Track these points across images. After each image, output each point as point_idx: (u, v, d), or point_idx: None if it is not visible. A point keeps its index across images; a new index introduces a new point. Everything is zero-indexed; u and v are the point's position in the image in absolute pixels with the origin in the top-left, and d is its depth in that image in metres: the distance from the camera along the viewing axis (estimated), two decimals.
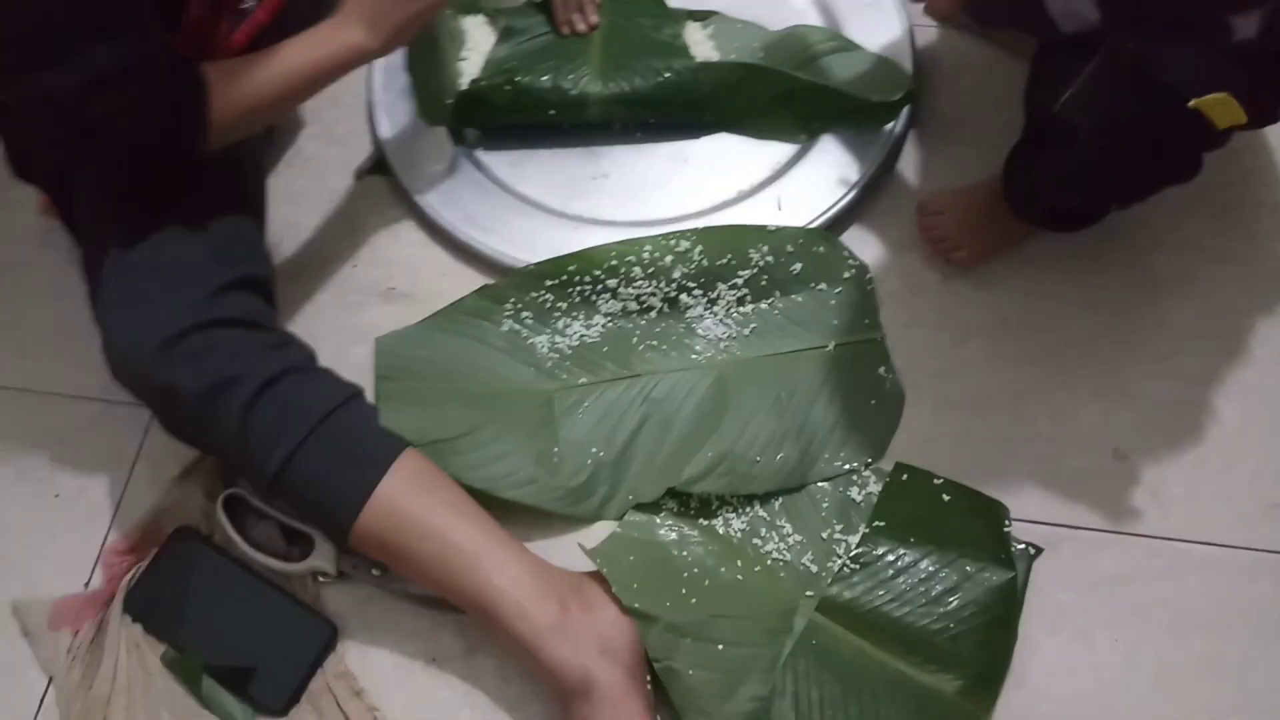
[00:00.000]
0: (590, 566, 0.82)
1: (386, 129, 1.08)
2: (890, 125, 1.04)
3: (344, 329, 1.00)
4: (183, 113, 0.80)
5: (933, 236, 0.99)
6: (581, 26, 1.10)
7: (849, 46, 1.08)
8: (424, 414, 0.90)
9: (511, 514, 0.85)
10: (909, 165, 1.05)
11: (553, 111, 1.06)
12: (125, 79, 0.75)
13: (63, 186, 0.92)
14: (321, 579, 0.88)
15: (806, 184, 1.03)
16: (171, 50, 0.79)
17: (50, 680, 0.86)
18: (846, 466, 0.89)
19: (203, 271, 0.83)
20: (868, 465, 0.90)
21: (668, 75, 1.06)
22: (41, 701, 0.85)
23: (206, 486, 0.91)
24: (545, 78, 1.05)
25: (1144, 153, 0.81)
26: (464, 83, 1.07)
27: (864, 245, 1.01)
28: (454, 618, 0.85)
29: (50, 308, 1.03)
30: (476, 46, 1.11)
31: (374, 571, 0.87)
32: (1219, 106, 0.70)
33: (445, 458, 0.87)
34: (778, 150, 1.06)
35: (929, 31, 1.11)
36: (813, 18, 1.13)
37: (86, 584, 0.90)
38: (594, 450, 0.91)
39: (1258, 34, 0.70)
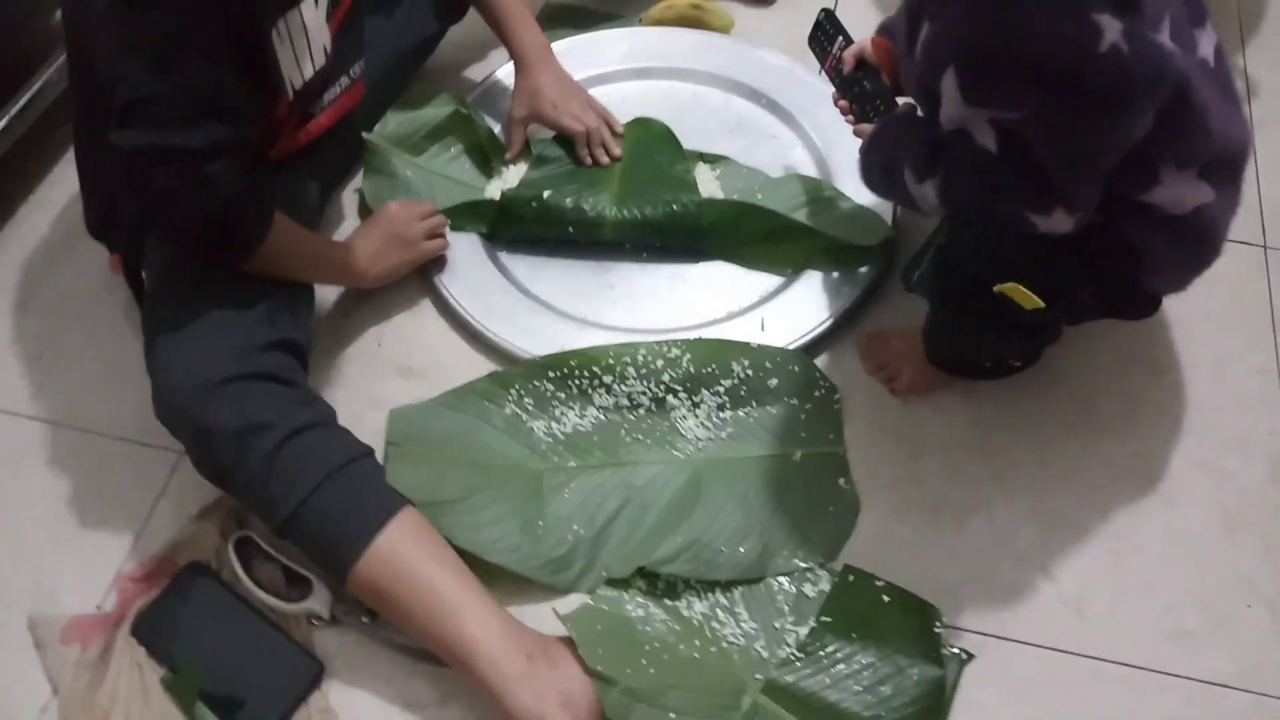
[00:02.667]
0: (562, 633, 0.91)
1: None
2: (867, 269, 1.17)
3: (364, 398, 1.10)
4: (248, 220, 0.95)
5: (872, 365, 1.11)
6: (605, 160, 1.24)
7: (838, 196, 1.22)
8: (425, 477, 0.99)
9: (495, 577, 0.94)
10: (880, 305, 1.17)
11: (571, 229, 1.19)
12: (230, 153, 0.89)
13: (136, 248, 1.05)
14: (315, 621, 0.96)
15: (788, 311, 1.15)
16: (262, 186, 0.95)
17: (54, 690, 0.93)
18: (802, 564, 0.98)
19: (251, 330, 0.94)
20: (821, 565, 0.98)
21: (675, 207, 1.20)
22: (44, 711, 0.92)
23: (221, 527, 1.00)
24: (568, 199, 1.19)
25: (979, 325, 0.92)
26: (493, 194, 1.21)
27: (835, 369, 1.12)
28: (431, 668, 0.93)
29: (101, 353, 1.15)
30: (502, 171, 1.25)
31: (363, 619, 0.95)
32: (1016, 293, 0.82)
33: (440, 519, 0.96)
34: (766, 280, 1.19)
35: None
36: (809, 169, 1.28)
37: (99, 606, 0.98)
38: (575, 527, 1.00)
39: (1068, 229, 0.81)
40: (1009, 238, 0.82)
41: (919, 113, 0.96)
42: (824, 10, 1.15)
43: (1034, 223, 0.80)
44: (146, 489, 1.05)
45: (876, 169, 0.97)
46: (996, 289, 0.82)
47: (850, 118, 1.08)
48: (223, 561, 0.98)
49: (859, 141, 1.02)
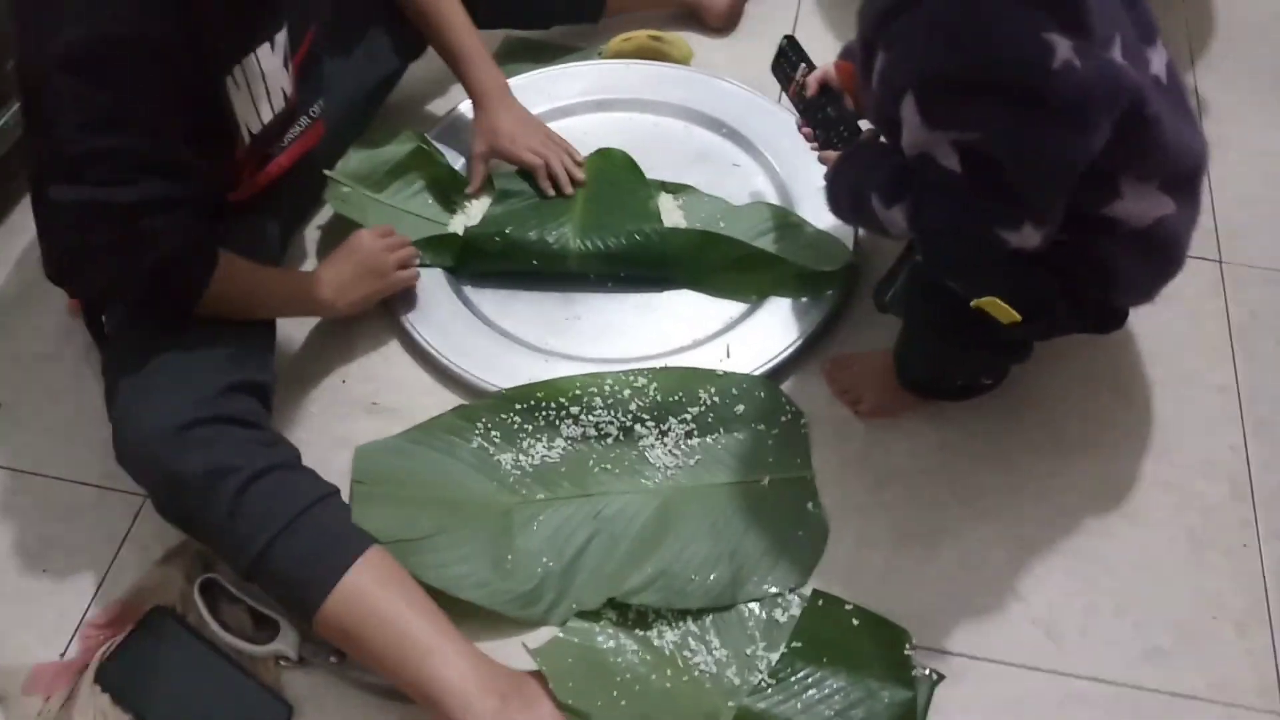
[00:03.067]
0: (532, 666, 0.90)
1: None
2: (830, 293, 1.18)
3: (330, 437, 1.10)
4: (195, 264, 0.94)
5: (837, 388, 1.12)
6: (568, 189, 1.25)
7: (800, 223, 1.23)
8: (392, 515, 0.99)
9: (464, 613, 0.93)
10: (844, 329, 1.18)
11: (536, 262, 1.20)
12: (171, 209, 0.89)
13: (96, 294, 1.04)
14: (283, 663, 0.95)
15: (753, 337, 1.16)
16: (205, 224, 0.94)
17: None
18: (772, 590, 0.98)
19: (213, 373, 0.94)
20: (791, 590, 0.98)
21: (638, 236, 1.20)
22: None
23: (186, 570, 0.99)
24: (531, 233, 1.20)
25: (954, 343, 0.94)
26: (450, 228, 1.22)
27: (801, 394, 1.13)
28: (400, 707, 0.92)
29: (64, 399, 1.14)
30: (465, 206, 1.26)
31: (331, 659, 0.94)
32: (994, 307, 0.83)
33: (407, 557, 0.95)
34: (730, 307, 1.20)
35: None
36: (772, 197, 1.29)
37: (63, 654, 0.96)
38: (545, 560, 0.99)
39: (1037, 244, 0.82)
40: (983, 254, 0.84)
41: (881, 139, 0.98)
42: (786, 37, 1.16)
43: (1005, 239, 0.82)
44: (110, 535, 1.04)
45: (843, 196, 0.98)
46: (974, 304, 0.83)
47: (814, 145, 1.09)
48: (188, 605, 0.97)
49: (822, 168, 1.04)
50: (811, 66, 1.12)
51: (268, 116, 1.02)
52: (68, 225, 0.88)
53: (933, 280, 0.88)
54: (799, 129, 1.12)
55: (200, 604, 0.96)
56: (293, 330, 1.18)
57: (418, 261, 1.19)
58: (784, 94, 1.16)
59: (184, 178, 0.91)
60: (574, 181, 1.25)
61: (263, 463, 0.91)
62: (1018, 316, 0.83)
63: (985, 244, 0.82)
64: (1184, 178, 0.86)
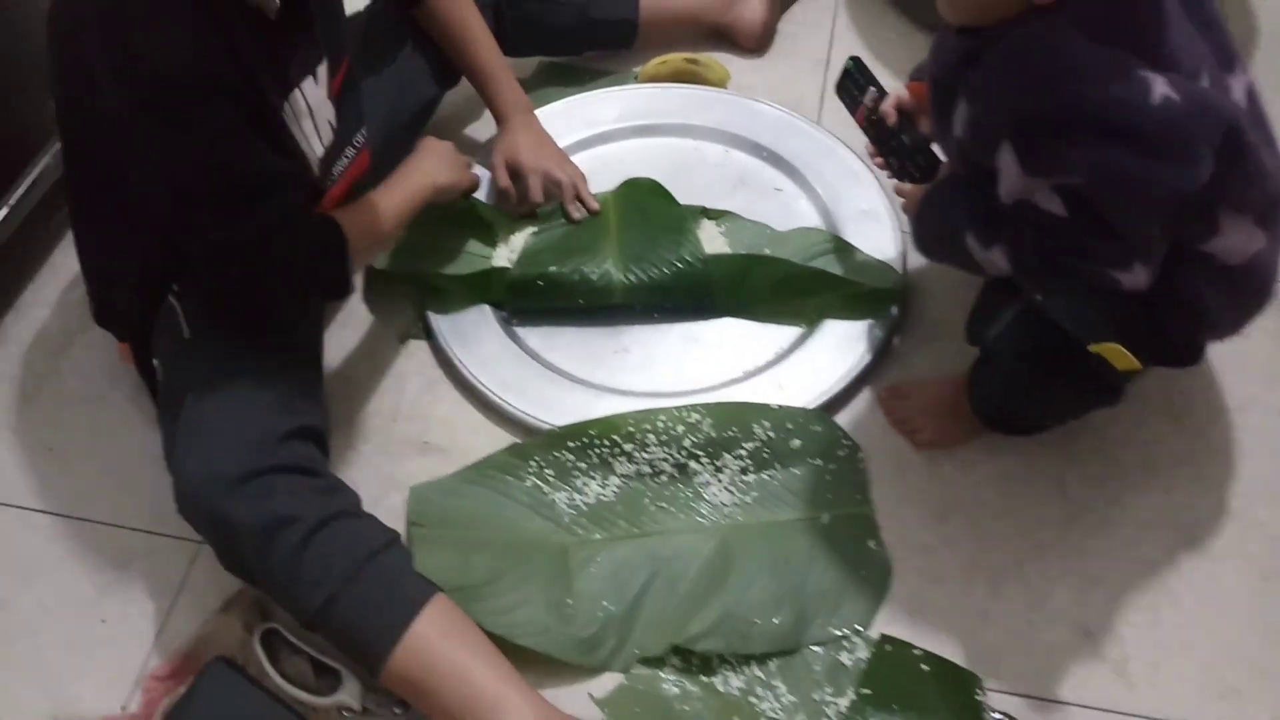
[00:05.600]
0: (599, 715, 0.89)
1: (435, 300, 1.21)
2: (883, 321, 1.17)
3: (384, 477, 1.09)
4: (330, 250, 0.97)
5: (895, 418, 1.10)
6: (577, 215, 1.24)
7: (848, 247, 1.22)
8: (452, 560, 0.98)
9: (527, 659, 0.92)
10: (896, 357, 1.17)
11: (582, 300, 1.19)
12: (291, 224, 0.92)
13: (143, 337, 1.03)
14: (346, 714, 0.94)
15: (806, 369, 1.14)
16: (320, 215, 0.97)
17: None
18: (837, 632, 0.97)
19: (270, 420, 0.93)
20: (857, 632, 0.97)
21: (680, 265, 1.19)
22: None
23: (245, 619, 0.98)
24: (574, 272, 1.18)
25: (1059, 386, 0.92)
26: (495, 263, 1.21)
27: (857, 427, 1.11)
28: None
29: (113, 443, 1.13)
30: (507, 238, 1.25)
31: (396, 710, 0.93)
32: (1114, 353, 0.82)
33: (470, 603, 0.94)
34: (780, 336, 1.18)
35: None
36: (816, 222, 1.27)
37: (124, 706, 0.96)
38: (604, 603, 0.98)
39: (1146, 282, 0.82)
40: (1102, 298, 0.83)
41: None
42: (852, 58, 1.11)
43: (1117, 279, 0.81)
44: (166, 582, 1.03)
45: (933, 236, 0.97)
46: (1093, 349, 0.82)
47: (889, 173, 1.07)
48: (249, 656, 0.96)
49: (864, 190, 1.01)
50: (880, 89, 1.08)
51: (320, 150, 1.02)
52: (219, 271, 0.93)
53: (1048, 324, 0.86)
54: (871, 157, 1.10)
55: (261, 655, 0.95)
56: (342, 369, 1.17)
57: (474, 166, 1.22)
58: (853, 117, 1.11)
59: (292, 188, 0.94)
60: (589, 210, 1.24)
61: (323, 512, 0.90)
62: (1136, 363, 0.82)
63: (1098, 286, 0.81)
64: (1273, 207, 0.85)
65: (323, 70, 1.01)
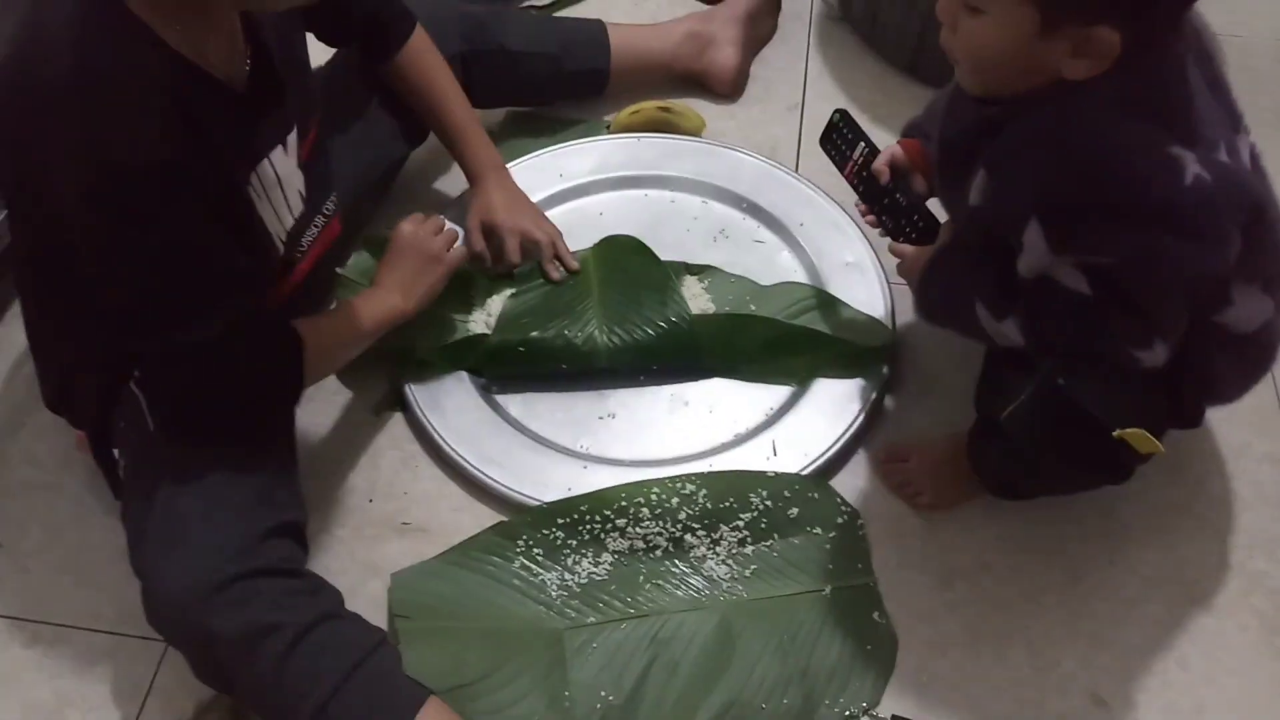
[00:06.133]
0: None
1: (410, 370, 1.15)
2: (874, 379, 1.14)
3: (360, 563, 1.03)
4: (286, 362, 0.91)
5: (894, 483, 1.08)
6: (556, 275, 1.19)
7: (833, 302, 1.19)
8: (443, 656, 0.93)
9: None
10: (890, 416, 1.14)
11: (565, 366, 1.14)
12: (248, 329, 0.86)
13: (103, 424, 0.96)
14: None
15: (798, 432, 1.11)
16: (279, 321, 0.90)
17: None
18: (847, 713, 0.93)
19: (248, 518, 0.87)
20: (867, 711, 0.94)
21: (664, 326, 1.15)
22: None
23: None
24: (556, 337, 1.14)
25: (1075, 467, 0.90)
26: (472, 329, 1.16)
27: (854, 490, 1.09)
28: None
29: (68, 536, 1.06)
30: (484, 302, 1.19)
31: None
32: (1138, 439, 0.80)
33: (464, 704, 0.89)
34: (771, 395, 1.15)
35: (905, 292, 1.23)
36: (799, 275, 1.25)
37: None
38: (603, 693, 0.94)
39: (1164, 360, 0.80)
40: (1126, 378, 0.80)
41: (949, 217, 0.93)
42: (838, 111, 1.09)
43: (1138, 359, 0.79)
44: (132, 687, 0.96)
45: (939, 304, 0.94)
46: (1116, 434, 0.79)
47: (881, 231, 1.04)
48: None
49: (848, 241, 0.98)
50: (870, 145, 1.05)
51: (289, 222, 0.97)
52: (169, 374, 0.86)
53: (1069, 406, 0.82)
54: (862, 214, 1.07)
55: None
56: (314, 445, 1.11)
57: (460, 239, 1.15)
58: (840, 172, 1.09)
59: (253, 288, 0.88)
60: (568, 269, 1.20)
61: (307, 617, 0.84)
62: (1161, 449, 0.80)
63: (1118, 365, 0.79)
64: (1278, 273, 0.84)
65: (292, 138, 0.96)
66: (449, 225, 1.14)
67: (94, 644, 0.99)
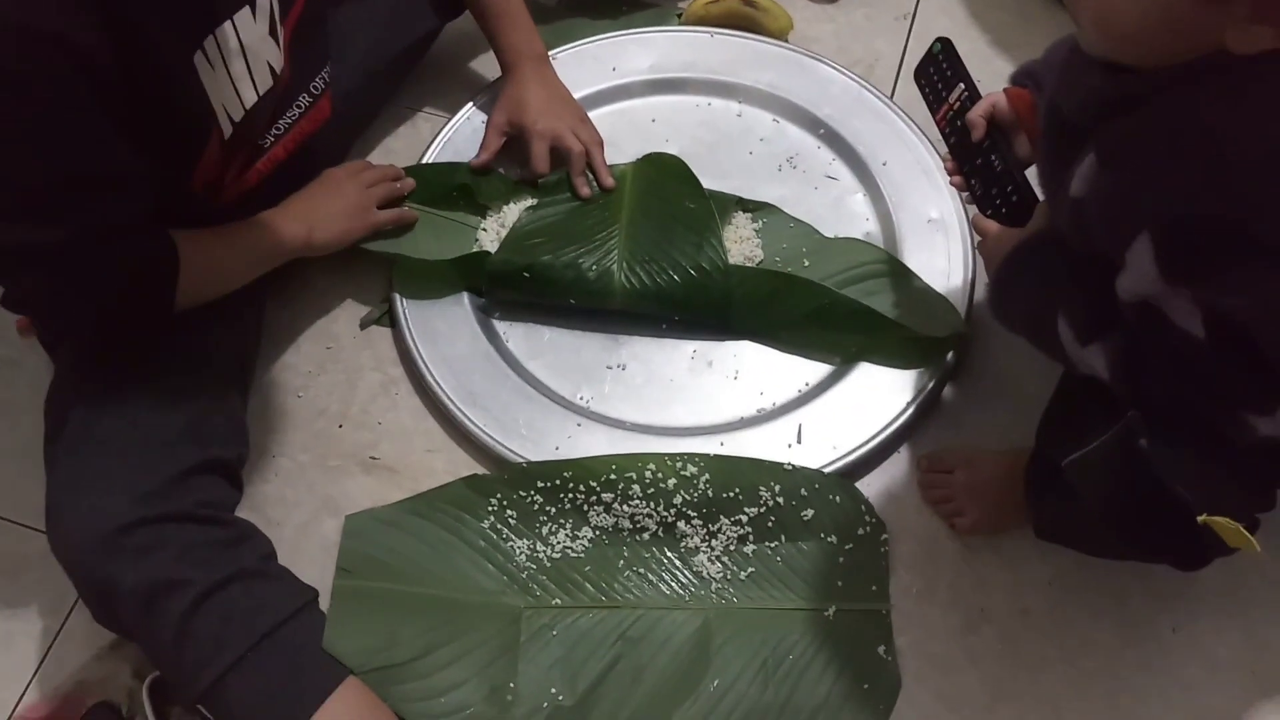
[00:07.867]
0: None
1: (405, 282, 1.02)
2: (933, 367, 0.96)
3: (319, 497, 0.93)
4: (156, 277, 0.77)
5: (934, 496, 0.92)
6: (585, 191, 1.03)
7: (902, 272, 1.00)
8: (374, 628, 0.83)
9: None
10: (942, 417, 0.97)
11: (574, 300, 0.99)
12: (111, 237, 0.73)
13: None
14: None
15: (832, 416, 0.95)
16: (150, 216, 0.76)
17: None
18: None
19: (169, 452, 0.77)
20: None
21: (695, 274, 0.98)
22: None
23: (135, 665, 0.84)
24: (567, 267, 0.98)
25: (1139, 546, 0.72)
26: (481, 241, 1.02)
27: (884, 497, 0.93)
28: None
29: (22, 420, 0.96)
30: (500, 207, 1.05)
31: None
32: (1227, 530, 0.62)
33: (389, 686, 0.80)
34: (808, 370, 0.99)
35: None
36: (871, 225, 1.06)
37: None
38: (552, 691, 0.83)
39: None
40: (1228, 454, 0.64)
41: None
42: (940, 40, 0.89)
43: (1254, 427, 0.62)
44: (58, 597, 0.89)
45: (1014, 307, 0.77)
46: (1202, 519, 0.62)
47: (965, 195, 0.86)
48: (135, 705, 0.83)
49: (936, 194, 0.80)
50: (972, 89, 0.86)
51: (252, 99, 0.82)
52: (11, 276, 0.73)
53: (1148, 474, 0.64)
54: (947, 171, 0.89)
55: (148, 707, 0.81)
56: (286, 354, 1.00)
57: (408, 194, 1.01)
58: (933, 116, 0.90)
59: (129, 194, 0.73)
60: (601, 186, 1.04)
61: (219, 573, 0.75)
62: (1255, 545, 0.62)
63: (1221, 431, 0.62)
64: None
65: (263, 1, 0.80)
66: (395, 182, 1.00)
67: (28, 544, 0.92)
